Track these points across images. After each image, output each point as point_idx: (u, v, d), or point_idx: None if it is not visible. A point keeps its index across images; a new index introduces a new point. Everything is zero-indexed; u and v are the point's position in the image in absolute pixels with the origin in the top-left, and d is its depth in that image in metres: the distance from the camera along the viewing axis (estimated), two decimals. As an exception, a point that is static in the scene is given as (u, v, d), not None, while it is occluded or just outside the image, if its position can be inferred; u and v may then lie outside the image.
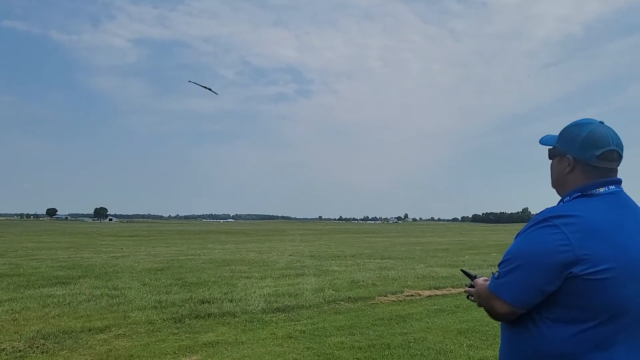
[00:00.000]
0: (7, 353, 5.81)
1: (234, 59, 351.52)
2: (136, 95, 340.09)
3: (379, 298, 9.60)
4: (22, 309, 8.33)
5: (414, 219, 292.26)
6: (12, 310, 8.23)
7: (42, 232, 49.71)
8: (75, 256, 18.93)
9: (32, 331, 6.78)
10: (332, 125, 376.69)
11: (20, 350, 5.92)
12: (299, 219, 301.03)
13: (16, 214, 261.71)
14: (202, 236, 41.23)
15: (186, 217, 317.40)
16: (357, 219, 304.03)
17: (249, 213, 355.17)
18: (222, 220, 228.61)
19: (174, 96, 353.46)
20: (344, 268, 14.73)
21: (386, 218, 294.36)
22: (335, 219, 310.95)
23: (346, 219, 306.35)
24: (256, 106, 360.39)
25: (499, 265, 1.75)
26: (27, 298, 9.38)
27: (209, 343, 6.32)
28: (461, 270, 2.30)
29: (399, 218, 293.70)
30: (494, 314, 1.76)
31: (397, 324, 7.48)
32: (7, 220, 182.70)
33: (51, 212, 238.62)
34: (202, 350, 6.01)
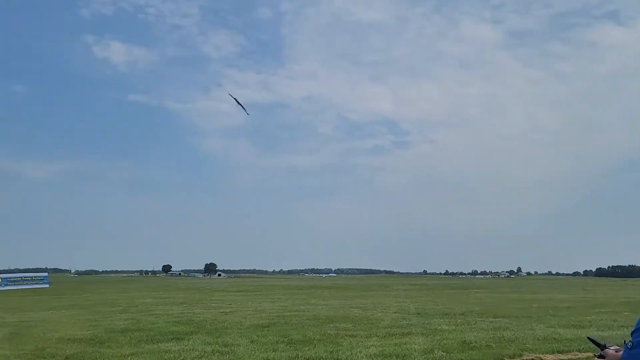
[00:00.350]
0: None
1: (332, 116, 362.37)
2: (242, 154, 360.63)
3: (494, 361, 8.94)
4: (142, 363, 8.82)
5: (529, 273, 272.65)
6: (133, 364, 8.73)
7: (158, 287, 53.00)
8: (188, 312, 19.86)
9: (150, 386, 7.12)
10: (431, 176, 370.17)
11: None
12: (402, 273, 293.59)
13: (136, 271, 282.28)
14: (305, 291, 41.52)
15: (289, 272, 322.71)
16: (464, 273, 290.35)
17: (351, 267, 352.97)
18: (324, 275, 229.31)
19: (276, 153, 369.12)
20: (453, 327, 14.00)
21: (497, 272, 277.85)
22: (440, 273, 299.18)
23: (453, 273, 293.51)
24: (354, 159, 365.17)
25: (632, 334, 1.55)
26: (147, 353, 9.93)
27: (317, 405, 6.21)
28: (588, 337, 2.08)
29: (511, 272, 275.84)
30: None
31: (517, 391, 6.88)
32: (129, 276, 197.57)
33: (166, 269, 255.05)
34: (309, 413, 5.91)
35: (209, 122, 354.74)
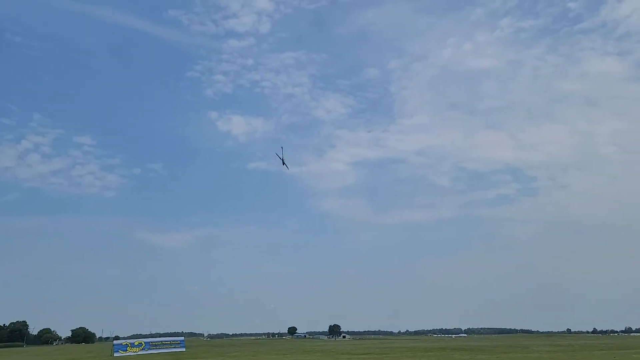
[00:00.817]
0: None
1: (449, 167, 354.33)
2: (358, 212, 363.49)
3: None
4: None
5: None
6: None
7: (285, 350, 53.55)
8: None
9: None
10: (565, 223, 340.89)
11: None
12: (542, 332, 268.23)
13: (263, 333, 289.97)
14: (434, 353, 39.35)
15: (416, 332, 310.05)
16: (616, 331, 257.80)
17: (483, 327, 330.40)
18: (454, 336, 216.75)
19: (392, 209, 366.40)
20: (608, 393, 12.22)
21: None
22: (587, 332, 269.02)
23: (602, 332, 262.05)
24: (476, 211, 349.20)
25: None
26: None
27: None
28: None
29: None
30: None
31: None
32: (257, 339, 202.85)
33: (292, 331, 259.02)
34: None
35: (324, 183, 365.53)
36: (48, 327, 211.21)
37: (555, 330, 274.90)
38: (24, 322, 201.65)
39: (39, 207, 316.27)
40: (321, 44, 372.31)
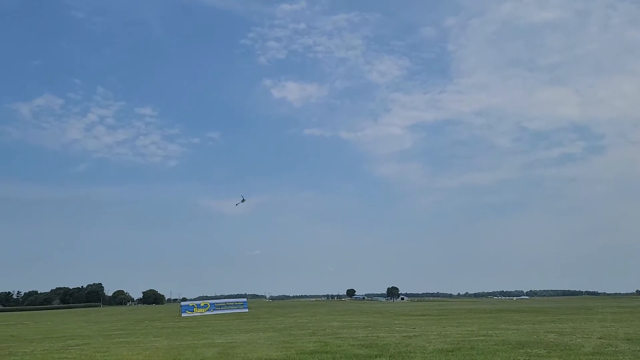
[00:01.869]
0: None
1: (509, 127, 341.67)
2: (415, 177, 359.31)
3: None
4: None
5: None
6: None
7: (344, 311, 54.86)
8: (372, 335, 20.22)
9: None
10: (636, 182, 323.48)
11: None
12: (609, 294, 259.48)
13: (323, 295, 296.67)
14: (494, 315, 39.19)
15: (476, 295, 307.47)
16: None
17: (546, 289, 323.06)
18: (514, 298, 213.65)
19: (450, 173, 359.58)
20: (673, 355, 12.00)
21: None
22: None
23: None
24: (539, 172, 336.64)
25: None
26: (333, 374, 10.39)
27: None
28: None
29: None
30: None
31: None
32: (316, 301, 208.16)
33: (350, 293, 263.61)
34: None
35: (380, 148, 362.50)
36: (121, 289, 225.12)
37: (623, 292, 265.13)
38: (100, 284, 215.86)
39: (108, 177, 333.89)
40: (374, 4, 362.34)
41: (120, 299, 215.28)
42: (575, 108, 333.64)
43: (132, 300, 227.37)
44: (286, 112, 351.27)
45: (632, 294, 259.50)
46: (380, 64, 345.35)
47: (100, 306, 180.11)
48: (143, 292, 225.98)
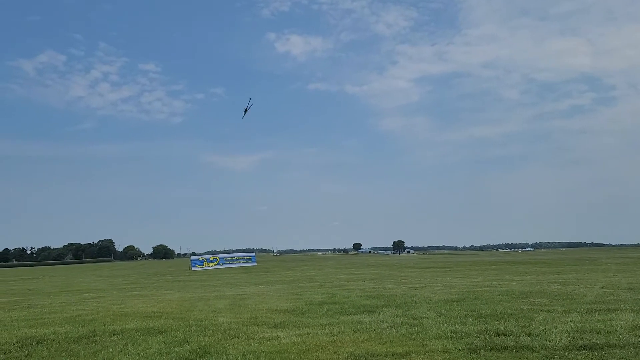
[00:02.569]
0: (328, 369, 6.84)
1: (518, 79, 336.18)
2: (420, 130, 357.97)
3: None
4: (339, 332, 9.63)
5: None
6: (331, 333, 9.60)
7: (350, 265, 55.87)
8: (378, 287, 20.73)
9: (346, 352, 7.80)
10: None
11: (337, 368, 6.89)
12: (614, 245, 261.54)
13: (329, 249, 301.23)
14: (498, 267, 39.83)
15: (481, 248, 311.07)
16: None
17: (551, 241, 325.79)
18: (520, 250, 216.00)
19: (456, 127, 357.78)
20: (673, 303, 12.29)
21: None
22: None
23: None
24: (547, 124, 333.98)
25: None
26: (341, 323, 10.78)
27: (506, 377, 6.18)
28: None
29: None
30: None
31: None
32: (323, 254, 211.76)
33: (357, 247, 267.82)
34: (498, 384, 5.92)
35: (386, 102, 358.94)
36: (132, 244, 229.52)
37: (629, 243, 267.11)
38: (110, 240, 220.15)
39: (114, 134, 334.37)
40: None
41: (131, 254, 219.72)
42: (585, 58, 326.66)
43: (143, 255, 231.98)
44: (290, 66, 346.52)
45: (638, 244, 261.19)
46: (386, 15, 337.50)
47: (111, 261, 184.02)
48: (153, 247, 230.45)
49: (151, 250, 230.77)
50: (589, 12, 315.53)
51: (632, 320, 9.69)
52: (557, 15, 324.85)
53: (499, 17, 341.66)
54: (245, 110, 35.30)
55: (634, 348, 7.48)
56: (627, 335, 8.23)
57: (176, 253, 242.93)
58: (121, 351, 8.43)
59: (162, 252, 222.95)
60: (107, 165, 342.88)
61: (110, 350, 8.70)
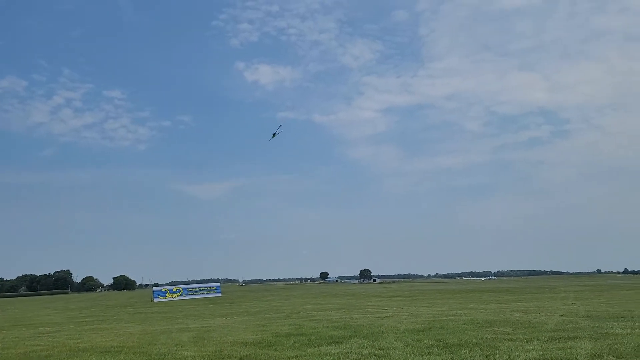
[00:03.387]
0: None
1: (480, 111, 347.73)
2: (388, 159, 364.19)
3: (677, 368, 8.01)
4: (305, 365, 9.52)
5: None
6: (297, 365, 9.48)
7: (318, 294, 55.47)
8: (345, 317, 20.64)
9: (313, 385, 7.71)
10: (599, 165, 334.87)
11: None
12: (571, 273, 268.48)
13: (296, 278, 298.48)
14: (463, 295, 40.30)
15: (445, 276, 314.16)
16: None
17: (513, 269, 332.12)
18: (483, 278, 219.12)
19: (422, 156, 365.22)
20: (629, 330, 12.70)
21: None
22: (618, 272, 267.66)
23: (633, 272, 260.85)
24: (508, 155, 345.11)
25: None
26: (308, 355, 10.67)
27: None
28: None
29: None
30: None
31: None
32: (290, 284, 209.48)
33: (324, 276, 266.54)
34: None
35: (353, 131, 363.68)
36: (91, 275, 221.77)
37: (585, 271, 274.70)
38: (68, 270, 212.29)
39: (76, 161, 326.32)
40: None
41: (89, 285, 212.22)
42: (542, 93, 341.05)
43: (102, 286, 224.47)
44: (260, 95, 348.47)
45: (593, 272, 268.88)
46: (353, 48, 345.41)
47: (69, 293, 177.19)
48: (114, 278, 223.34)
49: (111, 281, 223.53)
50: (546, 49, 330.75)
51: (591, 348, 9.95)
52: (516, 51, 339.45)
53: (461, 52, 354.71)
54: (274, 135, 35.55)
55: (593, 376, 7.67)
56: (587, 363, 8.44)
57: (138, 284, 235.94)
58: (79, 389, 8.10)
59: (122, 283, 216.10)
60: (67, 192, 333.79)
61: (68, 388, 8.35)
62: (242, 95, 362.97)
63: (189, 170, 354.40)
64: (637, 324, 14.36)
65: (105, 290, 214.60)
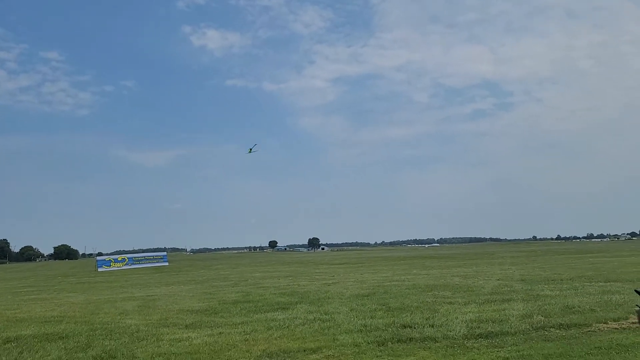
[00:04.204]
0: (240, 368, 6.85)
1: (427, 83, 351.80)
2: (337, 130, 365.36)
3: (597, 325, 8.66)
4: (252, 331, 9.64)
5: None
6: (244, 332, 9.58)
7: (266, 262, 55.82)
8: (293, 284, 20.93)
9: (259, 350, 7.84)
10: (538, 137, 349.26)
11: (249, 366, 6.92)
12: (509, 240, 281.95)
13: (245, 247, 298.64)
14: (407, 262, 41.64)
15: (391, 244, 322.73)
16: (579, 237, 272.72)
17: (455, 236, 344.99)
18: (427, 246, 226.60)
19: (371, 127, 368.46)
20: (558, 292, 13.57)
21: (616, 234, 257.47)
22: (552, 239, 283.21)
23: (565, 238, 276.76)
24: (453, 127, 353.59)
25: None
26: (255, 321, 10.79)
27: (410, 366, 6.53)
28: (635, 290, 2.15)
29: (632, 234, 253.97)
30: None
31: (617, 353, 6.70)
32: (239, 253, 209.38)
33: (273, 244, 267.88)
34: (403, 373, 6.24)
35: (303, 100, 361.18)
36: (30, 244, 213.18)
37: (522, 238, 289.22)
38: (5, 240, 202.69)
39: (11, 126, 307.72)
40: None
41: (28, 254, 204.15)
42: (488, 65, 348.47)
43: (43, 256, 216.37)
44: (207, 61, 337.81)
45: (530, 239, 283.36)
46: (304, 14, 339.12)
47: (6, 263, 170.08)
48: (54, 248, 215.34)
49: (52, 251, 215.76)
50: (492, 22, 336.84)
51: (523, 309, 10.57)
52: (464, 23, 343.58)
53: (411, 23, 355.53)
54: (250, 150, 35.09)
55: (523, 334, 8.18)
56: (518, 323, 8.98)
57: (80, 253, 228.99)
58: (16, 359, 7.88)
59: (64, 253, 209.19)
60: (2, 159, 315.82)
61: (4, 359, 8.11)
62: (189, 60, 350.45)
63: (134, 138, 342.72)
64: (566, 286, 15.35)
65: (45, 260, 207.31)
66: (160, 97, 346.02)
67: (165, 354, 7.80)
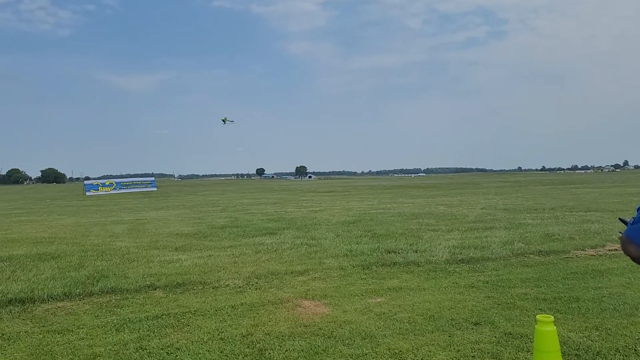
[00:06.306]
0: (230, 288, 7.07)
1: (421, 8, 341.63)
2: (326, 57, 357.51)
3: (575, 252, 8.99)
4: (240, 254, 9.87)
5: (637, 166, 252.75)
6: (233, 255, 9.81)
7: (254, 189, 56.34)
8: (280, 210, 21.25)
9: (248, 272, 8.06)
10: (531, 67, 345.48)
11: (239, 287, 7.14)
12: (495, 170, 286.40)
13: (232, 174, 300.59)
14: (393, 191, 42.25)
15: (378, 173, 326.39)
16: (563, 169, 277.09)
17: (441, 166, 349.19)
18: (413, 175, 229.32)
19: (361, 54, 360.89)
20: (539, 221, 13.94)
21: (600, 166, 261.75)
22: (537, 170, 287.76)
23: (550, 169, 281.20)
24: (444, 55, 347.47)
25: (638, 210, 1.70)
26: (243, 245, 11.03)
27: (393, 288, 6.79)
28: (619, 218, 2.19)
29: (616, 166, 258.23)
30: (633, 260, 1.74)
31: (592, 278, 7.01)
32: (226, 180, 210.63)
33: (260, 172, 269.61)
34: (386, 294, 6.50)
35: (292, 25, 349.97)
36: (17, 167, 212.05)
37: (508, 168, 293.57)
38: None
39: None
40: None
41: (16, 177, 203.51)
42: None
43: (30, 179, 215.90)
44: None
45: (515, 170, 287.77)
46: None
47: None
48: (41, 171, 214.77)
49: (39, 174, 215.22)
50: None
51: (504, 237, 10.90)
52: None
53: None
54: (224, 121, 34.39)
55: (503, 260, 8.48)
56: (499, 250, 9.29)
57: (68, 177, 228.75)
58: (9, 278, 8.04)
59: (51, 176, 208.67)
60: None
61: (-2, 277, 8.27)
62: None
63: (117, 60, 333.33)
64: (547, 215, 15.77)
65: (33, 183, 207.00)
66: (143, 18, 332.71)
67: (155, 274, 8.00)
